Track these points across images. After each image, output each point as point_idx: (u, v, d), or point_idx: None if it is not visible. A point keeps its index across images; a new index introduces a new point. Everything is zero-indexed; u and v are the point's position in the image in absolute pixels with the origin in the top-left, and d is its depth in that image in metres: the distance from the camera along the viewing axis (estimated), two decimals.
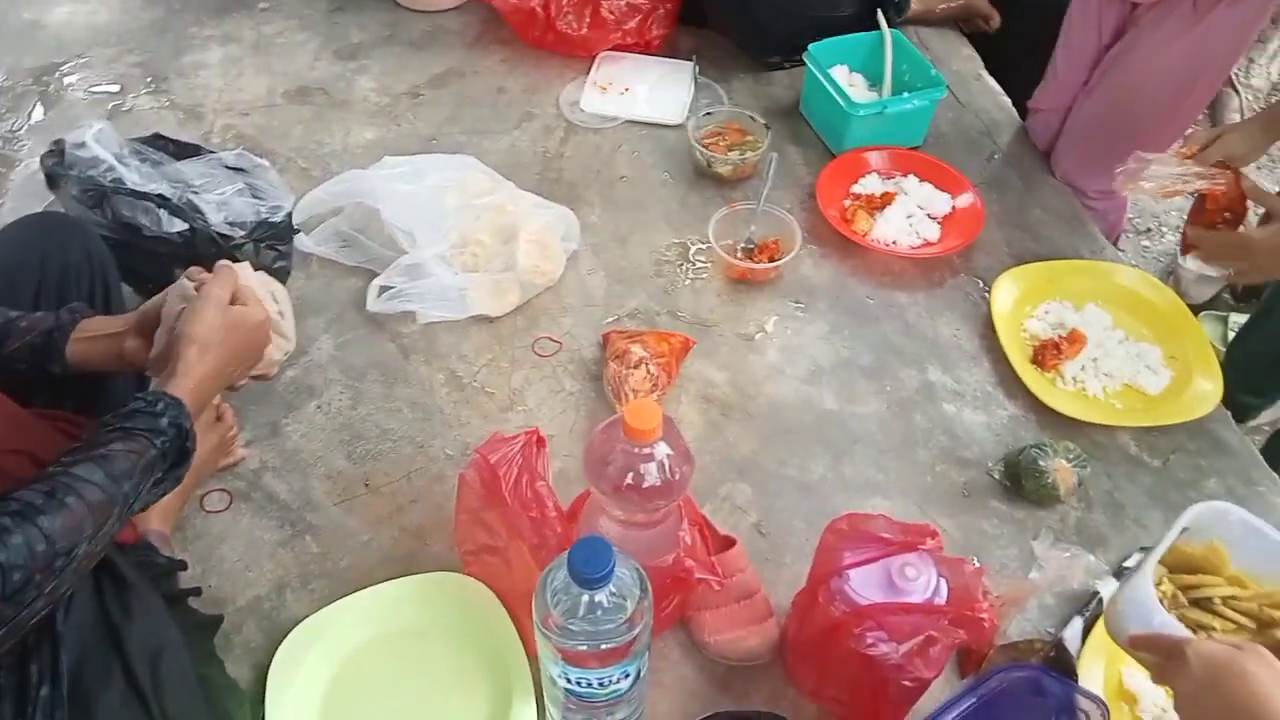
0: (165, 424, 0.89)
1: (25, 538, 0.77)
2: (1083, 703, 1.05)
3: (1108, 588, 1.22)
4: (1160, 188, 1.44)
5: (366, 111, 1.84)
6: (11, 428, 0.95)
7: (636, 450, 0.94)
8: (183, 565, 1.17)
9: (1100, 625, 1.16)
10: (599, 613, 0.84)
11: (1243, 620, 0.99)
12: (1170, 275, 2.49)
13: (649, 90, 1.90)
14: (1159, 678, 0.90)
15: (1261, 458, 1.44)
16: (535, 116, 1.86)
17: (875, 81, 1.87)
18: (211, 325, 0.96)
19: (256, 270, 1.13)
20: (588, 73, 1.92)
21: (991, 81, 2.01)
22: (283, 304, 1.14)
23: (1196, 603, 1.00)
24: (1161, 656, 0.88)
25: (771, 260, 1.57)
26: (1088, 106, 1.76)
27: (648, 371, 1.38)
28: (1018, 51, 2.05)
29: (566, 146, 1.81)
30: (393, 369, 1.45)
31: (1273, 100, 2.84)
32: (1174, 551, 1.00)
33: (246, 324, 1.01)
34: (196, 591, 1.15)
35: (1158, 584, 0.99)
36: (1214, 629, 0.98)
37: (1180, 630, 0.91)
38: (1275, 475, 1.42)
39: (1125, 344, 1.51)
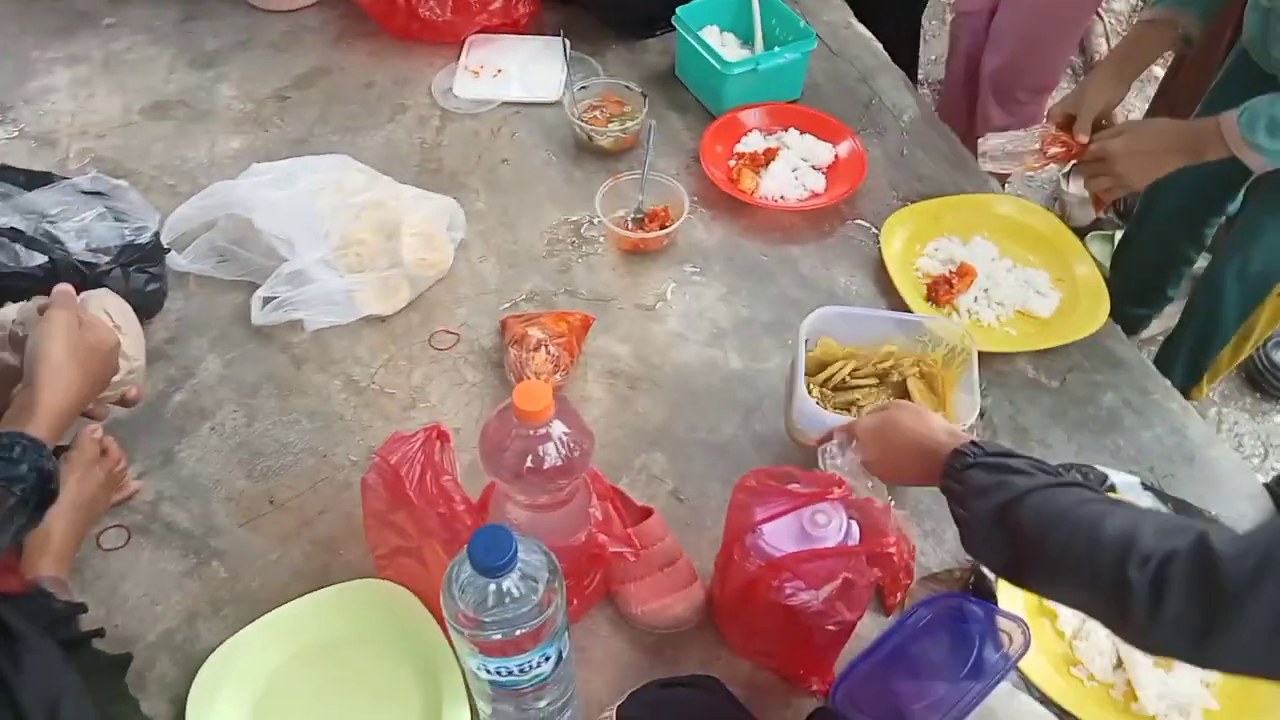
0: (25, 470, 0.85)
1: None
2: (1005, 624, 1.07)
3: None
4: (1024, 166, 1.55)
5: (231, 120, 1.77)
6: None
7: (531, 433, 0.92)
8: (82, 608, 1.11)
9: None
10: (508, 600, 0.82)
11: (869, 381, 1.29)
12: (1055, 201, 2.56)
13: (521, 70, 1.87)
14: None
15: (1153, 366, 1.49)
16: (408, 108, 1.82)
17: (746, 39, 1.87)
18: (61, 348, 0.95)
19: (129, 294, 1.09)
20: (458, 58, 1.88)
21: (862, 28, 2.03)
22: (119, 318, 1.11)
23: (835, 388, 1.29)
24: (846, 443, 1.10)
25: (663, 228, 1.56)
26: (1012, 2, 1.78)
27: (548, 352, 1.36)
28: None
29: (444, 135, 1.77)
30: (286, 381, 1.40)
31: (1133, 22, 2.93)
32: (807, 361, 1.26)
33: (96, 343, 1.00)
34: (100, 633, 1.10)
35: (810, 393, 1.25)
36: (857, 399, 1.28)
37: (841, 419, 1.13)
38: (1168, 382, 1.47)
39: (1013, 271, 1.54)
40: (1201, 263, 2.03)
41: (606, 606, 1.17)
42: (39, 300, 1.01)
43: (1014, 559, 0.86)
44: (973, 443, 0.93)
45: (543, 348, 1.36)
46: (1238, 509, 1.30)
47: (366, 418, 1.36)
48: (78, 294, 1.07)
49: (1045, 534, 0.82)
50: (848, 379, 1.29)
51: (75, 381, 0.96)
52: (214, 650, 1.10)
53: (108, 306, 1.11)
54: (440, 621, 1.10)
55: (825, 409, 1.24)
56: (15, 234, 1.33)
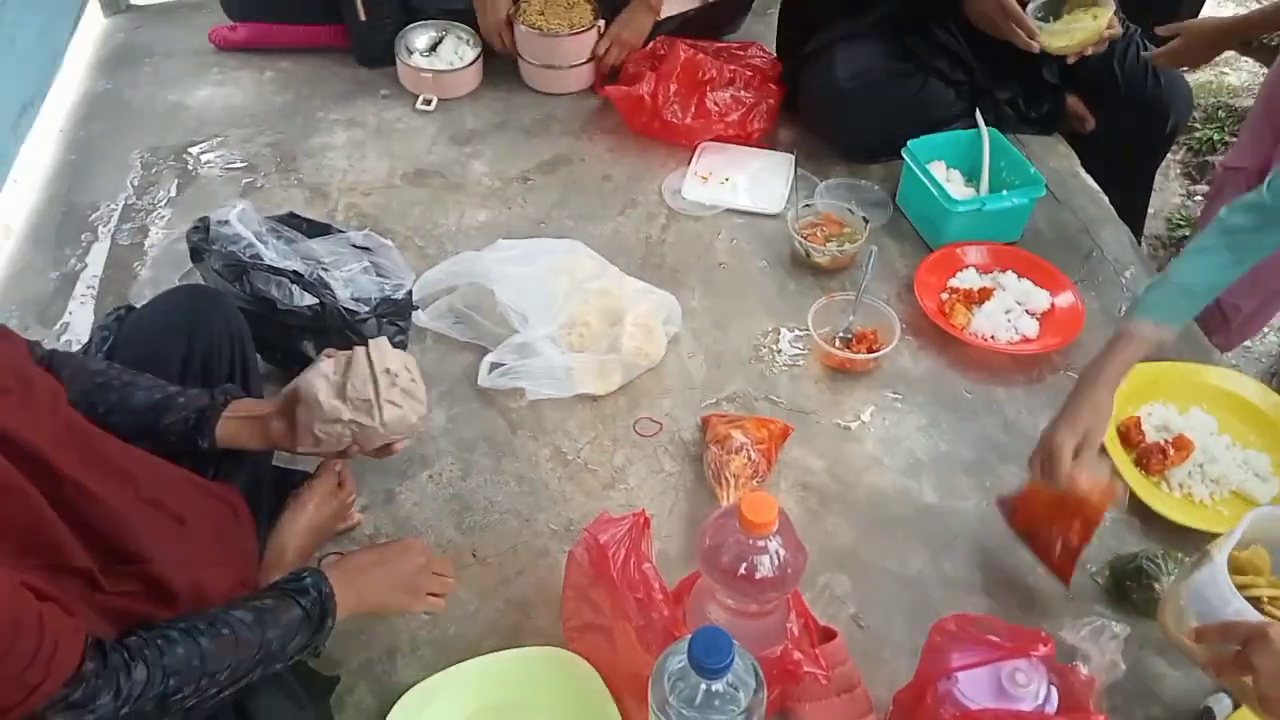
0: (308, 584, 1.01)
1: (187, 651, 0.88)
2: None
3: (1218, 702, 1.19)
4: None
5: (479, 194, 1.94)
6: (157, 479, 1.03)
7: (752, 542, 0.96)
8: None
9: None
10: (715, 702, 0.86)
11: None
12: (1274, 376, 2.43)
13: (749, 180, 1.97)
14: (1229, 669, 0.92)
15: None
16: (639, 203, 1.94)
17: (971, 178, 1.90)
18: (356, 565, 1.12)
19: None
20: (689, 162, 2.00)
21: (1088, 179, 2.03)
22: (414, 370, 1.19)
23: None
24: (1236, 642, 0.91)
25: (870, 351, 1.60)
26: None
27: (749, 457, 1.41)
28: (1112, 151, 2.07)
29: (668, 233, 1.88)
30: (501, 443, 1.50)
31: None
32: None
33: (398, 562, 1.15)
34: (316, 653, 1.20)
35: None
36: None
37: (1256, 616, 0.94)
38: None
39: (1232, 450, 1.49)
40: None
41: None
42: (332, 351, 1.14)
43: None
44: None
45: (744, 451, 1.41)
46: None
47: (569, 490, 1.44)
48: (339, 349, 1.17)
49: None
50: (1264, 601, 1.06)
51: (373, 585, 1.11)
52: (408, 687, 1.18)
53: (407, 361, 1.17)
54: (620, 702, 1.15)
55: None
56: (296, 276, 1.49)
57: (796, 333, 1.68)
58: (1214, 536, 1.37)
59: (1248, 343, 2.51)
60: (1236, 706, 1.15)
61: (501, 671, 1.20)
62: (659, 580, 1.12)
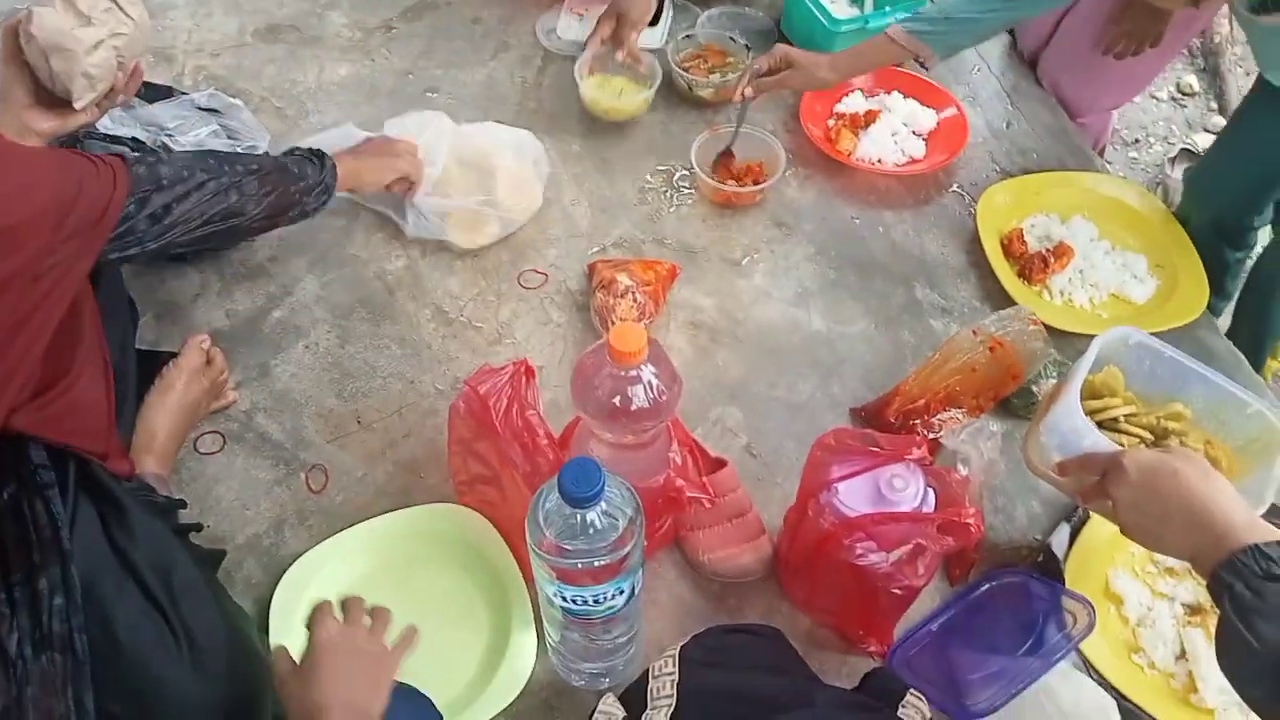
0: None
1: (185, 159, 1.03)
2: (1070, 604, 1.08)
3: (1059, 538, 1.22)
4: None
5: (339, 47, 1.81)
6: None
7: (623, 373, 0.94)
8: (182, 504, 1.18)
9: (1088, 531, 1.19)
10: (591, 531, 0.85)
11: (1143, 434, 1.09)
12: (1158, 185, 2.48)
13: None
14: (1092, 497, 0.95)
15: (1245, 359, 1.45)
16: (511, 47, 1.83)
17: None
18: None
19: None
20: (564, 0, 1.88)
21: None
22: None
23: (1101, 424, 1.06)
24: (1095, 473, 0.93)
25: (756, 183, 1.56)
26: (1083, 4, 1.73)
27: (634, 300, 1.37)
28: None
29: (545, 76, 1.78)
30: (379, 306, 1.44)
31: None
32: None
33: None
34: (197, 527, 1.17)
35: None
36: (1121, 445, 1.04)
37: (1111, 446, 0.95)
38: (1261, 379, 1.44)
39: (1111, 254, 1.51)
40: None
41: (674, 552, 1.20)
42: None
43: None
44: (1279, 544, 0.77)
45: (630, 294, 1.37)
46: None
47: (453, 349, 1.40)
48: None
49: None
50: (1121, 420, 1.10)
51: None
52: (298, 557, 1.15)
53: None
54: (515, 549, 1.15)
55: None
56: (136, 144, 1.38)
57: (683, 171, 1.62)
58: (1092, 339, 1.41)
59: (1133, 154, 2.54)
60: (1074, 536, 1.19)
61: (390, 532, 1.18)
62: (544, 426, 1.10)
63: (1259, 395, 1.37)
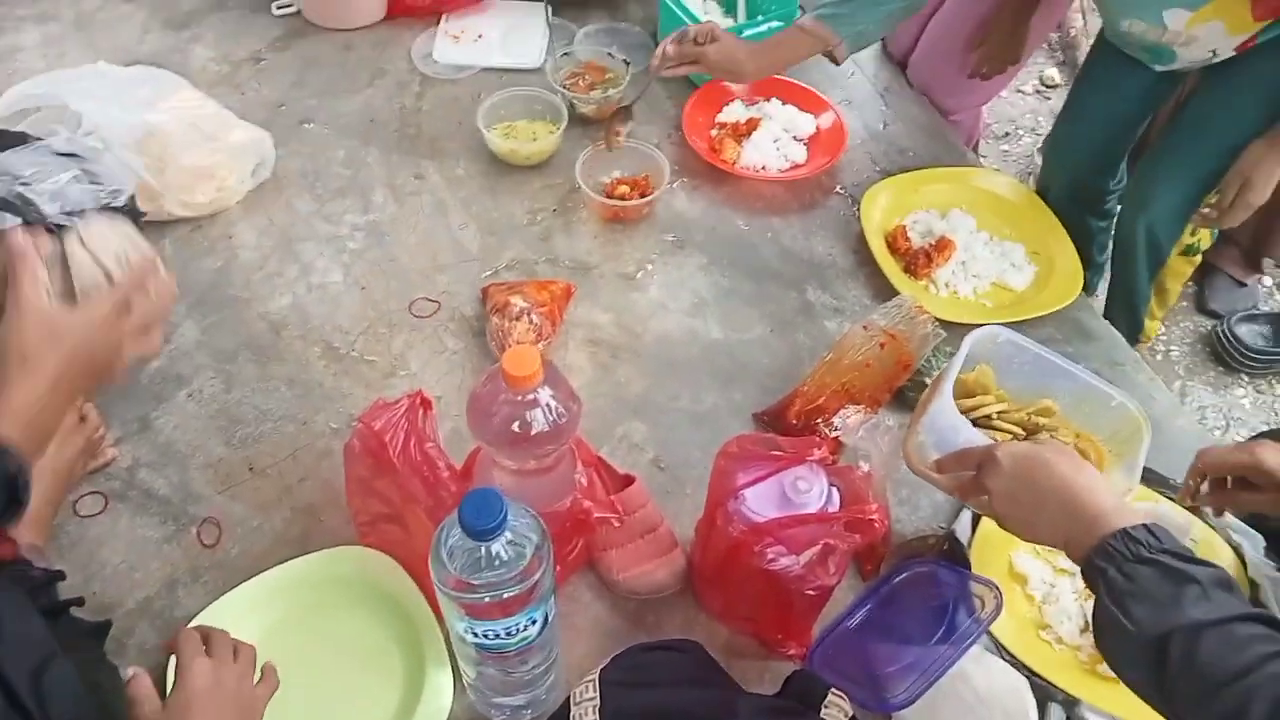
0: None
1: None
2: (977, 588, 1.10)
3: (961, 525, 1.26)
4: None
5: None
6: None
7: (519, 398, 0.92)
8: (60, 575, 1.11)
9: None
10: (498, 563, 0.83)
11: (1015, 430, 1.15)
12: (1029, 175, 2.58)
13: (503, 35, 1.85)
14: (970, 491, 0.98)
15: (1124, 339, 1.52)
16: (387, 72, 1.80)
17: (729, 8, 1.86)
18: (33, 335, 0.82)
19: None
20: (438, 23, 1.86)
21: None
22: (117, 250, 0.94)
23: (975, 422, 1.12)
24: (971, 468, 0.96)
25: (643, 196, 1.56)
26: (946, 9, 1.80)
27: (531, 321, 1.36)
28: None
29: (424, 100, 1.75)
30: (265, 347, 1.39)
31: None
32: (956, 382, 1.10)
33: (86, 322, 0.86)
34: (79, 601, 1.10)
35: None
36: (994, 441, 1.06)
37: (984, 440, 0.99)
38: (1137, 354, 1.50)
39: (990, 244, 1.56)
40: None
41: (588, 573, 1.18)
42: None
43: (1158, 687, 0.75)
44: (1146, 527, 0.80)
45: (525, 316, 1.35)
46: None
47: (346, 385, 1.36)
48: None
49: (1214, 688, 0.71)
50: (994, 417, 1.15)
51: (55, 371, 0.82)
52: (194, 617, 1.09)
53: (94, 247, 0.92)
54: (423, 586, 1.11)
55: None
56: None
57: (570, 188, 1.62)
58: (979, 327, 1.45)
59: (1005, 147, 2.65)
60: (976, 522, 1.22)
61: (291, 581, 1.13)
62: (444, 458, 1.07)
63: (1136, 370, 1.45)
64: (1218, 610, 0.74)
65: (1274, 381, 2.32)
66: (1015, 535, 0.92)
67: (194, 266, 1.47)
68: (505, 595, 0.84)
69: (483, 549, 0.83)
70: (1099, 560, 0.80)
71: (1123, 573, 0.78)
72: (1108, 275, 2.01)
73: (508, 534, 0.83)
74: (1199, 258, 2.19)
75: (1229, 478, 1.07)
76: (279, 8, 1.88)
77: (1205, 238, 2.14)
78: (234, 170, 1.52)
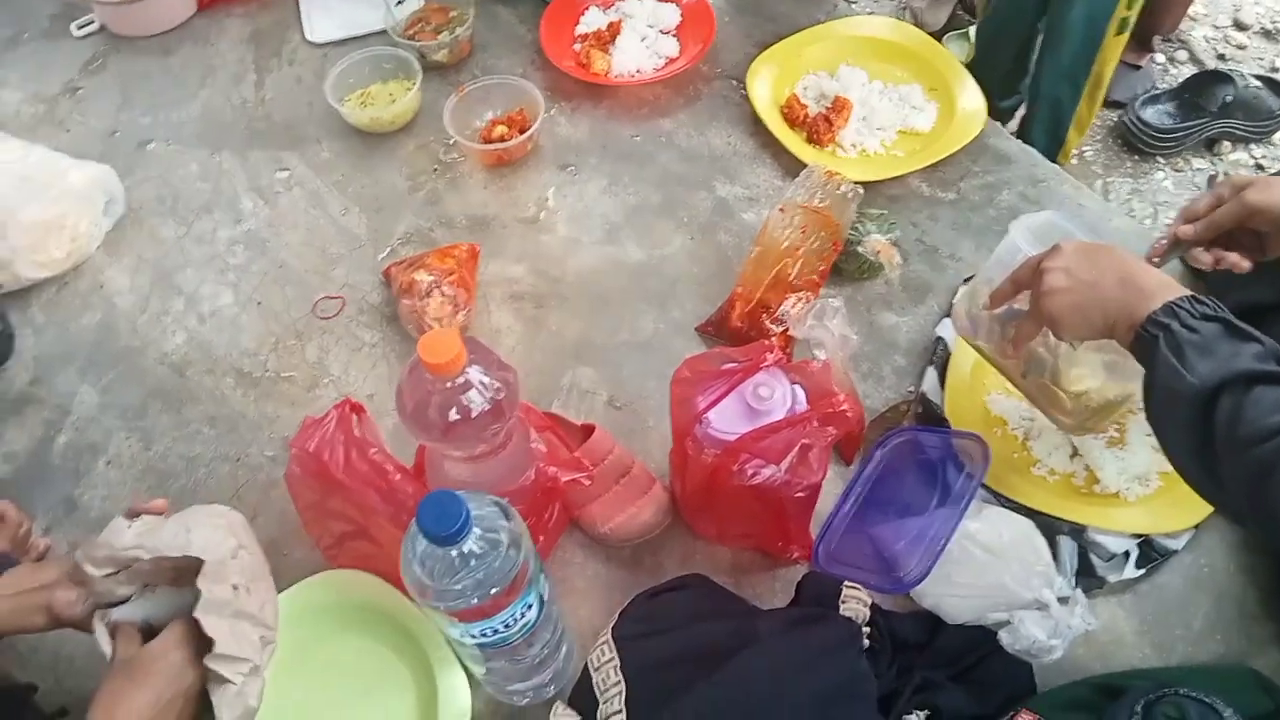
0: None
1: None
2: (962, 444, 1.08)
3: (945, 329, 1.24)
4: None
5: (23, 127, 1.59)
6: None
7: (449, 385, 0.86)
8: (33, 688, 1.04)
9: (953, 367, 1.19)
10: (474, 562, 0.77)
11: None
12: (905, 10, 2.52)
13: (337, 2, 1.71)
14: (1025, 282, 0.94)
15: (1040, 154, 1.49)
16: (216, 69, 1.66)
17: None
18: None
19: None
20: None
21: None
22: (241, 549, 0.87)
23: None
24: (1028, 274, 0.93)
25: (523, 132, 1.47)
26: None
27: (443, 294, 1.28)
28: None
29: (265, 90, 1.62)
30: (173, 393, 1.29)
31: None
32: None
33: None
34: (64, 712, 1.03)
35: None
36: None
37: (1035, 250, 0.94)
38: (1057, 167, 1.47)
39: (886, 92, 1.51)
40: None
41: (574, 532, 1.14)
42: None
43: (1200, 447, 0.76)
44: (1212, 298, 0.80)
45: (435, 290, 1.28)
46: None
47: (271, 409, 1.27)
48: None
49: (1255, 441, 0.72)
50: None
51: None
52: None
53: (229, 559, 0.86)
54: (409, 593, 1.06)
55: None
56: None
57: (444, 142, 1.52)
58: (897, 180, 1.41)
59: None
60: (942, 377, 1.19)
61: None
62: (392, 462, 1.00)
63: (1059, 182, 1.42)
64: (1276, 370, 0.74)
65: (1189, 157, 2.33)
66: (1067, 320, 0.89)
67: (72, 327, 1.36)
68: (492, 591, 0.79)
69: (454, 552, 0.77)
70: (1162, 317, 0.80)
71: (1187, 326, 0.78)
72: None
73: (476, 529, 0.77)
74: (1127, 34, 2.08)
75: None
76: (79, 27, 1.71)
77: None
78: (83, 215, 1.39)
